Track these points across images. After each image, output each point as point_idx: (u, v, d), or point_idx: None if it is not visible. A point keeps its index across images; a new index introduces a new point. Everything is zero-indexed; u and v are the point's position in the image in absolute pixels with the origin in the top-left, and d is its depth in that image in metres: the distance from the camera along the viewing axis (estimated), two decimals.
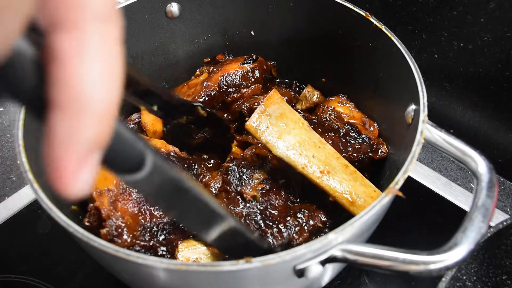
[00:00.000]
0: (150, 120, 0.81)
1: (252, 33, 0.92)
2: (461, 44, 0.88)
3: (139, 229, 0.63)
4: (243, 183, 0.70)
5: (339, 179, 0.68)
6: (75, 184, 0.26)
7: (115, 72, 0.26)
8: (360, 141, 0.77)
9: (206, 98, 0.83)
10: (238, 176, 0.71)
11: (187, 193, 0.42)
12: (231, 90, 0.84)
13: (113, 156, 0.31)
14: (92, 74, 0.25)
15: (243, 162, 0.73)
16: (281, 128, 0.70)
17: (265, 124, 0.70)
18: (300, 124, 0.72)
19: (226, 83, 0.84)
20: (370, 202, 0.65)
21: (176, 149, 0.75)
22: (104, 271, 0.64)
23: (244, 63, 0.87)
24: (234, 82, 0.85)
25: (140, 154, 0.34)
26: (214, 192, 0.73)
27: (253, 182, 0.70)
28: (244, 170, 0.71)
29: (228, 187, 0.70)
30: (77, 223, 0.50)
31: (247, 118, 0.74)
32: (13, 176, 0.97)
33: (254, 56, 0.89)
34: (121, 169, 0.34)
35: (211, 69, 0.91)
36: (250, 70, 0.86)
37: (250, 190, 0.69)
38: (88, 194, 0.66)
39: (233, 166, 0.72)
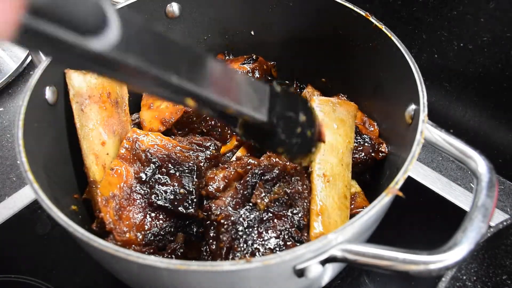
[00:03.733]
0: (148, 118, 0.81)
1: (252, 33, 0.92)
2: (461, 44, 0.88)
3: (144, 241, 0.63)
4: (257, 193, 0.63)
5: (331, 197, 0.66)
6: None
7: None
8: (361, 142, 0.77)
9: None
10: (255, 187, 0.64)
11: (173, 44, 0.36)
12: None
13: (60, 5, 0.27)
14: None
15: (266, 175, 0.65)
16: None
17: None
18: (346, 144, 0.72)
19: None
20: (328, 230, 0.62)
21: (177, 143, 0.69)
22: (104, 271, 0.64)
23: (244, 63, 0.87)
24: None
25: (97, 6, 0.29)
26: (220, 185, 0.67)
27: (266, 198, 0.63)
28: (265, 185, 0.65)
29: (242, 190, 0.64)
30: (77, 223, 0.50)
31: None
32: (13, 176, 0.97)
33: (254, 56, 0.89)
34: (75, 27, 0.28)
35: None
36: (250, 70, 0.86)
37: (259, 201, 0.63)
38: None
39: (251, 179, 0.65)
